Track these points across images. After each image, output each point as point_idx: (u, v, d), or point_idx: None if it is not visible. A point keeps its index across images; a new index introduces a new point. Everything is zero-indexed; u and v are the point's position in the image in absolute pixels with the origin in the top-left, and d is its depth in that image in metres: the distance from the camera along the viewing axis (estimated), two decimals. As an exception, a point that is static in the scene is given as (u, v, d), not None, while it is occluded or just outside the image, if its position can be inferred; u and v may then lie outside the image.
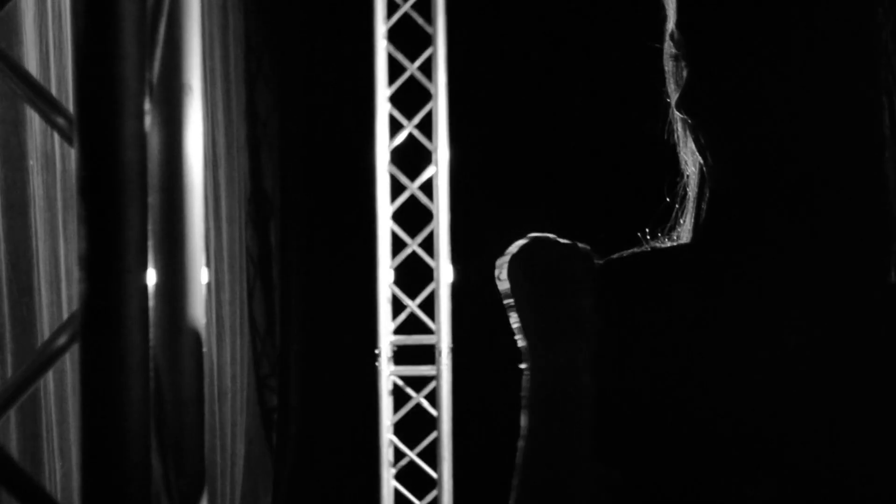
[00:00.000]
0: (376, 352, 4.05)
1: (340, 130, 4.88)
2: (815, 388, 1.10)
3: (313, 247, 5.02)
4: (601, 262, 1.18)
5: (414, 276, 4.07)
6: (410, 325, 4.06)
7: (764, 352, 1.11)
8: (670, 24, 1.16)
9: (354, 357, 4.47)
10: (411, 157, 4.08)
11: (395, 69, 4.03)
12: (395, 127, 4.05)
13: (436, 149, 4.01)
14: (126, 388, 0.66)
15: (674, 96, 1.17)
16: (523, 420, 1.15)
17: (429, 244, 4.02)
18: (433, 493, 4.09)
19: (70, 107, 0.70)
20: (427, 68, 4.03)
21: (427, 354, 4.05)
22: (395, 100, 4.04)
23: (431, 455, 4.05)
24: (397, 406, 4.08)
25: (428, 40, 4.01)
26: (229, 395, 4.42)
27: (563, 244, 1.17)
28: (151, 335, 0.67)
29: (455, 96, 4.04)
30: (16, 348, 2.73)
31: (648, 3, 1.22)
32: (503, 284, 1.16)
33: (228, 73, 4.52)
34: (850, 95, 1.12)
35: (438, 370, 4.02)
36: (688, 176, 1.21)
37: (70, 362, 2.87)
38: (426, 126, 4.02)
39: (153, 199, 0.68)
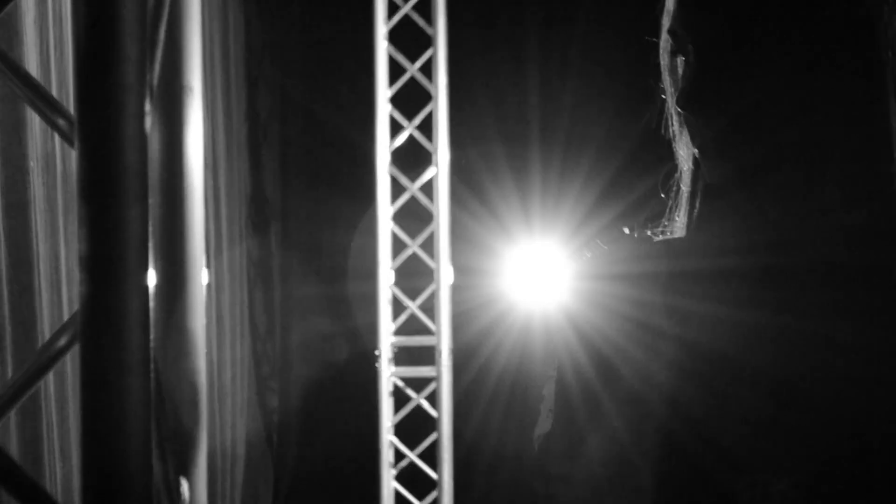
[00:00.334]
0: (376, 353, 4.04)
1: (341, 131, 4.88)
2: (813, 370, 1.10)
3: (313, 247, 5.01)
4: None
5: (414, 276, 4.06)
6: (411, 326, 4.05)
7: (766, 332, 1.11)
8: (668, 20, 1.16)
9: (354, 358, 4.46)
10: (411, 158, 4.07)
11: (395, 70, 4.03)
12: (395, 128, 4.05)
13: (436, 150, 4.01)
14: (126, 389, 0.66)
15: (671, 91, 1.17)
16: None
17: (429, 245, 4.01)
18: (433, 494, 4.09)
19: (71, 108, 0.70)
20: (427, 69, 4.03)
21: (427, 355, 4.04)
22: (395, 101, 4.03)
23: (432, 456, 4.05)
24: (397, 407, 4.07)
25: (428, 41, 4.01)
26: (229, 396, 4.42)
27: None
28: (151, 336, 0.67)
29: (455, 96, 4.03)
30: (16, 349, 2.72)
31: (646, 2, 1.22)
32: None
33: (229, 74, 4.52)
34: (854, 93, 1.12)
35: (439, 371, 4.01)
36: (682, 171, 1.21)
37: (71, 363, 2.87)
38: (426, 127, 4.02)
39: (153, 201, 0.68)
